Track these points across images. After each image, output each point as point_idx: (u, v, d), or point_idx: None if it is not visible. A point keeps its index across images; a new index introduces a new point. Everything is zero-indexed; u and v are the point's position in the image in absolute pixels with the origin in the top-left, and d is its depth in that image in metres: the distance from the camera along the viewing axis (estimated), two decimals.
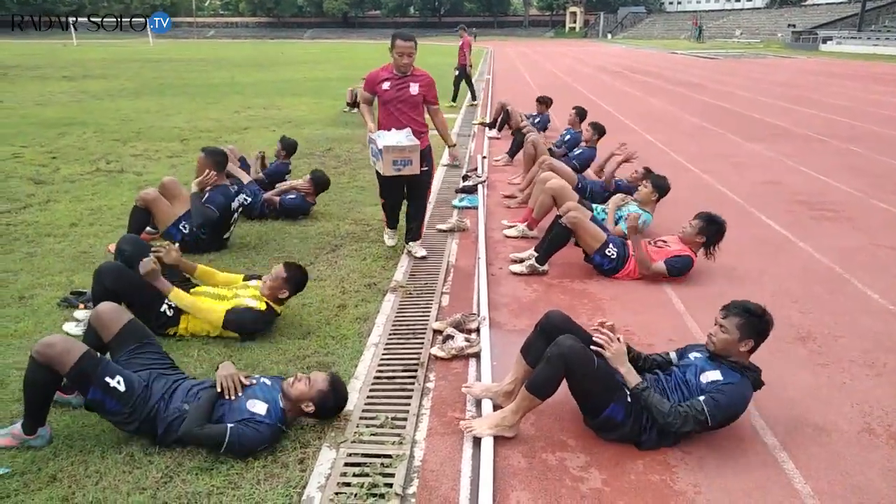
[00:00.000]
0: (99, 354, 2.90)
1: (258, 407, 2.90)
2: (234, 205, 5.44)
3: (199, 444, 2.83)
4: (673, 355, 3.30)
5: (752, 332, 2.96)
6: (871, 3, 54.23)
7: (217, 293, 4.03)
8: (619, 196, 5.88)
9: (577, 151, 8.08)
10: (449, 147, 5.62)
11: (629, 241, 5.05)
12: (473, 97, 16.22)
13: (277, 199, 6.37)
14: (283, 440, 2.96)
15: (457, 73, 15.66)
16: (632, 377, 2.93)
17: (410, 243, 5.42)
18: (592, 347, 2.93)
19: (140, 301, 3.78)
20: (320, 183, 6.58)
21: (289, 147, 7.50)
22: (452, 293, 4.71)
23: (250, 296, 3.97)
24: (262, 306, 3.91)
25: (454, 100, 15.75)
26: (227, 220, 5.39)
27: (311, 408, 2.96)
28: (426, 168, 5.09)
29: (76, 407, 3.12)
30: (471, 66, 16.01)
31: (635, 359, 3.23)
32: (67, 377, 2.74)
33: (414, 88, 4.94)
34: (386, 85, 4.93)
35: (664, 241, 5.06)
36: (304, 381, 2.97)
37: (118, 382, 2.80)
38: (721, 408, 2.85)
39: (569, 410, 3.18)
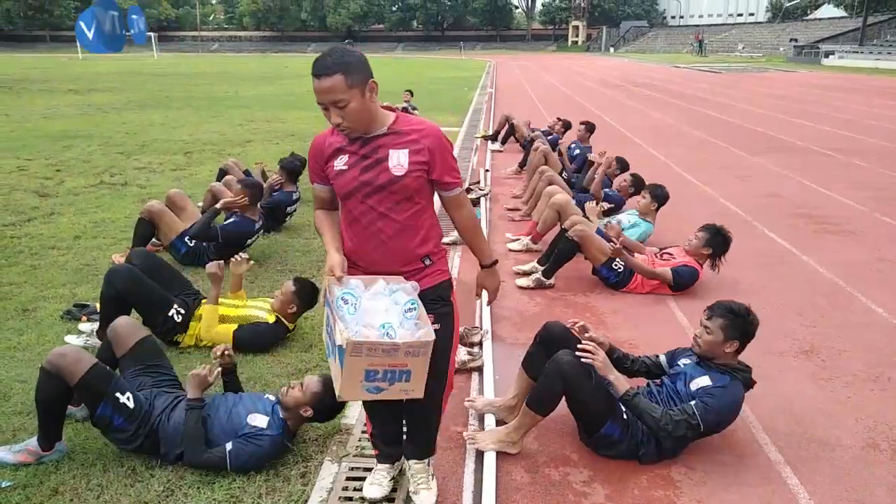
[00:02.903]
0: (108, 369, 2.89)
1: (258, 420, 2.89)
2: (249, 241, 5.37)
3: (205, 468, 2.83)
4: (663, 358, 3.29)
5: (737, 333, 2.93)
6: (872, 17, 54.48)
7: (230, 303, 4.06)
8: (591, 204, 5.70)
9: (575, 152, 8.10)
10: (482, 267, 2.62)
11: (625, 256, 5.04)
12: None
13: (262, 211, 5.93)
14: (285, 454, 2.95)
15: None
16: (620, 384, 2.90)
17: (412, 464, 2.71)
18: (580, 357, 2.87)
19: (148, 305, 3.81)
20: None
21: (291, 172, 6.39)
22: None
23: (260, 308, 4.01)
24: (272, 318, 3.93)
25: None
26: (232, 248, 5.30)
27: (308, 412, 2.94)
28: (439, 327, 2.34)
29: (79, 420, 3.12)
30: None
31: (621, 359, 3.23)
32: (76, 387, 2.72)
33: (398, 160, 2.26)
34: (341, 162, 2.30)
35: (670, 254, 5.06)
36: (297, 387, 2.96)
37: (128, 399, 2.79)
38: (712, 411, 2.83)
39: (572, 425, 3.17)
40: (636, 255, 5.05)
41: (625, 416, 2.91)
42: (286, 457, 2.94)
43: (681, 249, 5.03)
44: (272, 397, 3.05)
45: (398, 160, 2.24)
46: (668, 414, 2.83)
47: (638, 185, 6.30)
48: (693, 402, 2.86)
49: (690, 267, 4.89)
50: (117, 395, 2.77)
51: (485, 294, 2.64)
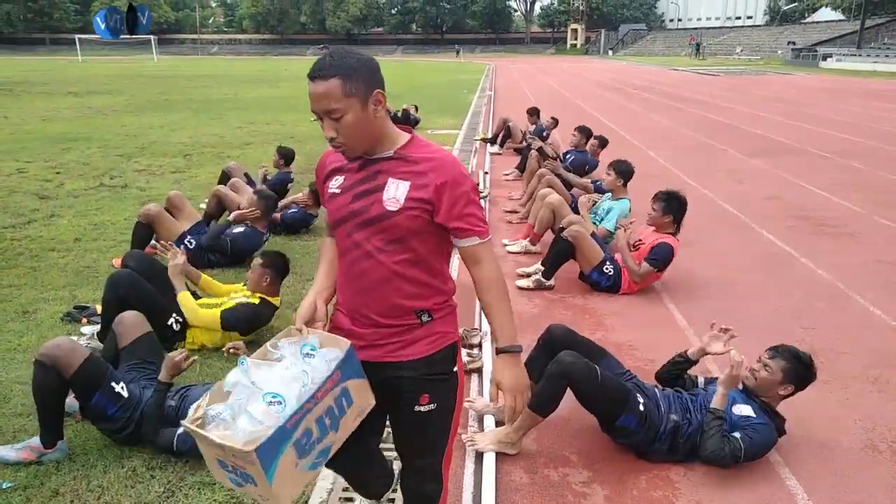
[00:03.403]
0: (103, 360, 2.95)
1: None
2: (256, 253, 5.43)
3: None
4: (701, 380, 3.30)
5: (796, 379, 2.96)
6: (870, 20, 54.61)
7: (213, 301, 4.09)
8: (584, 198, 5.76)
9: (569, 158, 8.08)
10: (498, 352, 1.91)
11: (616, 256, 5.05)
12: None
13: (278, 215, 6.36)
14: None
15: None
16: (721, 401, 2.95)
17: None
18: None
19: (150, 312, 3.80)
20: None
21: (286, 156, 7.39)
22: None
23: (242, 295, 4.07)
24: (256, 300, 3.98)
25: None
26: (237, 257, 5.41)
27: None
28: (434, 407, 1.96)
29: (80, 421, 3.12)
30: None
31: (681, 370, 3.26)
32: (73, 378, 2.75)
33: (394, 192, 1.83)
34: (335, 184, 1.94)
35: (640, 241, 5.04)
36: None
37: (122, 388, 2.86)
38: (754, 446, 2.87)
39: (571, 426, 3.18)
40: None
41: (641, 409, 2.92)
42: None
43: (649, 231, 5.02)
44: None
45: (394, 192, 1.80)
46: (723, 448, 2.83)
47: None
48: (739, 435, 2.87)
49: (660, 244, 4.85)
50: (112, 384, 2.83)
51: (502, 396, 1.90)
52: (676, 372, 3.27)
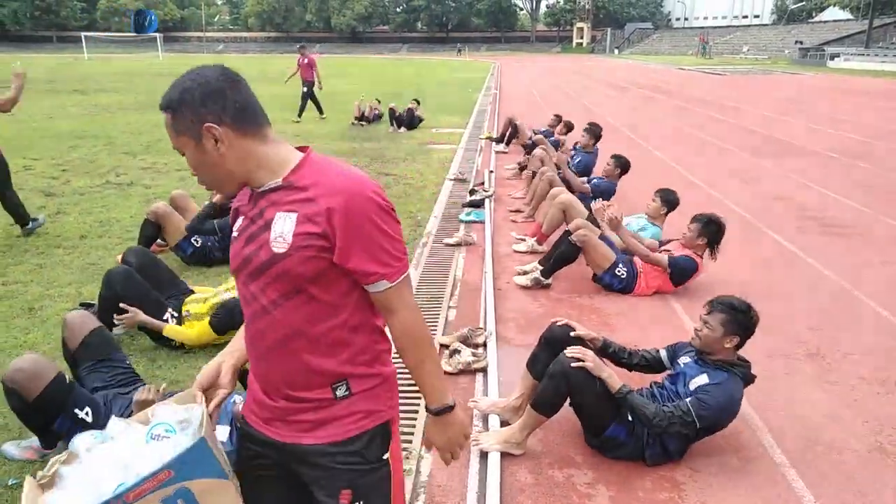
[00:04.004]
0: (69, 379, 2.81)
1: (219, 431, 2.83)
2: None
3: None
4: (663, 353, 3.27)
5: (738, 329, 2.91)
6: (878, 20, 54.34)
7: (202, 308, 4.00)
8: (598, 203, 5.53)
9: (576, 159, 8.02)
10: (427, 411, 1.65)
11: (634, 258, 5.03)
12: (320, 111, 15.81)
13: None
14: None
15: (305, 90, 15.31)
16: (613, 381, 2.88)
17: None
18: (572, 365, 2.86)
19: (147, 308, 3.81)
20: None
21: None
22: (459, 307, 4.71)
23: (227, 289, 4.04)
24: None
25: (300, 115, 15.34)
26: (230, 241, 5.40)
27: None
28: None
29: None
30: (320, 84, 15.61)
31: (618, 353, 3.23)
32: (35, 403, 2.64)
33: (281, 229, 1.44)
34: (236, 227, 1.58)
35: (667, 250, 5.04)
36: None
37: (86, 413, 2.73)
38: (708, 407, 2.81)
39: (576, 426, 3.16)
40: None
41: (630, 418, 2.90)
42: None
43: (678, 244, 5.01)
44: (238, 399, 2.67)
45: (281, 228, 1.42)
46: (661, 411, 2.81)
47: (623, 166, 6.55)
48: (689, 399, 2.85)
49: (688, 257, 4.86)
50: (76, 410, 2.71)
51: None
52: (629, 361, 3.25)
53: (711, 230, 4.79)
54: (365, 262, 1.42)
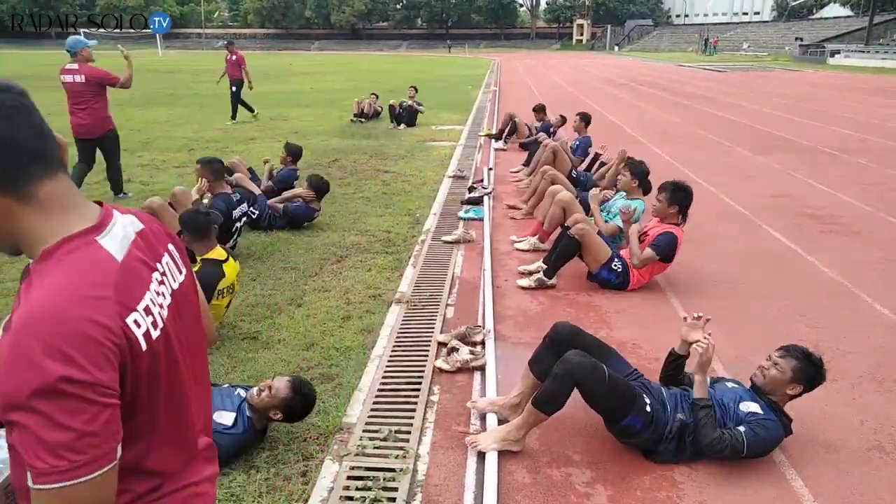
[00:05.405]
0: None
1: (224, 418, 2.87)
2: (236, 213, 5.48)
3: None
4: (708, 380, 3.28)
5: (805, 379, 2.94)
6: (878, 16, 54.27)
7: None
8: (594, 191, 5.83)
9: (575, 143, 8.15)
10: None
11: (625, 244, 5.04)
12: (250, 110, 15.06)
13: (281, 206, 6.39)
14: (286, 453, 2.94)
15: (234, 89, 14.55)
16: (702, 390, 2.95)
17: None
18: (697, 345, 2.96)
19: None
20: (319, 187, 6.59)
21: (294, 152, 7.47)
22: (457, 305, 4.69)
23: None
24: (197, 266, 3.94)
25: (233, 117, 14.42)
26: (228, 228, 5.40)
27: (278, 415, 2.93)
28: None
29: None
30: (251, 84, 14.80)
31: (677, 368, 3.24)
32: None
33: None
34: None
35: (645, 232, 5.02)
36: (266, 390, 2.91)
37: None
38: (758, 441, 2.84)
39: (574, 425, 3.15)
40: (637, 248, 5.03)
41: (648, 409, 2.89)
42: (287, 455, 2.92)
43: (653, 221, 5.00)
44: (243, 392, 3.02)
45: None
46: (721, 434, 2.82)
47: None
48: (743, 428, 2.85)
49: (664, 233, 4.83)
50: None
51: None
52: (672, 371, 3.24)
53: (679, 196, 4.80)
54: (11, 438, 0.99)
